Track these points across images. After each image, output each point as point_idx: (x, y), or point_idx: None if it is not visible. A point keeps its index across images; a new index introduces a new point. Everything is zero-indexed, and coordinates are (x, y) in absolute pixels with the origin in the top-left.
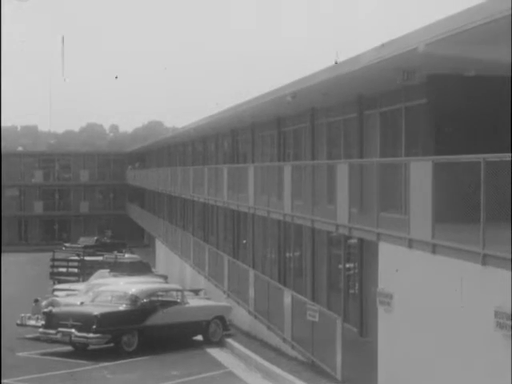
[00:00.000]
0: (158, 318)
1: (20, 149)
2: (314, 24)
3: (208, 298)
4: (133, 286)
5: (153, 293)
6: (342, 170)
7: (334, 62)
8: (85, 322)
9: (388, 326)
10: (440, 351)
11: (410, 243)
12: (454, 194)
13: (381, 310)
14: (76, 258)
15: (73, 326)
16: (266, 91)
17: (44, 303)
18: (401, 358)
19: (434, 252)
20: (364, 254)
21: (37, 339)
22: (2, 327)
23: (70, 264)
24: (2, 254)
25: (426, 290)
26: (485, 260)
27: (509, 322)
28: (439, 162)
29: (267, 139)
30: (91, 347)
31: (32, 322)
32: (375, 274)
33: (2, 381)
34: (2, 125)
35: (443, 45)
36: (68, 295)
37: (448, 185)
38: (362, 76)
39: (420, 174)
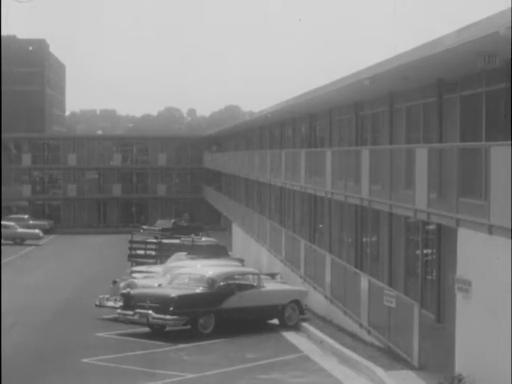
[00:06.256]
0: (235, 301)
1: (99, 132)
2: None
3: (284, 282)
4: (210, 268)
5: (229, 276)
6: (421, 154)
7: None
8: (162, 303)
9: (466, 313)
10: None
11: (490, 229)
12: None
13: (459, 296)
14: (154, 240)
15: (150, 308)
16: (344, 75)
17: (122, 285)
18: (479, 345)
19: None
20: (442, 240)
21: (115, 320)
22: (82, 307)
23: (148, 246)
24: (82, 236)
25: (505, 277)
26: None
27: None
28: None
29: (345, 123)
30: (168, 329)
31: (110, 303)
32: (454, 261)
33: (82, 360)
34: (83, 108)
35: None
36: (146, 277)
37: None
38: (441, 60)
39: (501, 158)
